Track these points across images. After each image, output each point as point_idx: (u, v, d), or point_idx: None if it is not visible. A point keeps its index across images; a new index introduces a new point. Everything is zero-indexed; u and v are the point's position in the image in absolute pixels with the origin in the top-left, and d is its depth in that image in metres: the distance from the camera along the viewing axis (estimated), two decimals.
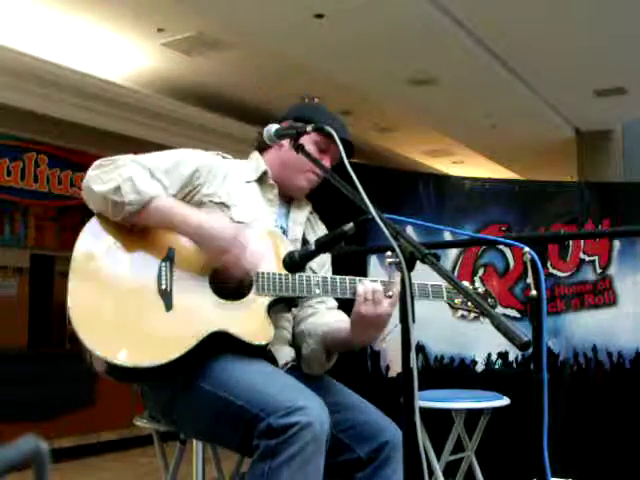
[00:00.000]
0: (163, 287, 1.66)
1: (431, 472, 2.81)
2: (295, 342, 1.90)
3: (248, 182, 1.90)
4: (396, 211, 1.68)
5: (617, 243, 4.01)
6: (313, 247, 1.59)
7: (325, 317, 1.90)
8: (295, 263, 1.61)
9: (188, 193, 1.81)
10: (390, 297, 1.70)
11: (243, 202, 1.85)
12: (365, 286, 1.70)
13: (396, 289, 1.68)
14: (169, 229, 1.71)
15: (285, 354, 1.84)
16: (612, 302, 4.00)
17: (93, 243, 1.70)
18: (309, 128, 1.66)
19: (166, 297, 1.66)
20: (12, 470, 0.58)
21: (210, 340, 1.64)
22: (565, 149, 8.13)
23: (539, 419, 1.52)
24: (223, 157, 1.93)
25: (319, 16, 4.88)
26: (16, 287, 5.51)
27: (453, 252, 3.82)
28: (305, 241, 1.95)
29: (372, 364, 3.60)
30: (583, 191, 4.15)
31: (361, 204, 1.43)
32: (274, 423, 1.49)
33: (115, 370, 1.60)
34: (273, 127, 1.76)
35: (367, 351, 3.60)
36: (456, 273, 3.79)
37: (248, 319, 1.69)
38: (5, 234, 5.52)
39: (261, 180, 1.92)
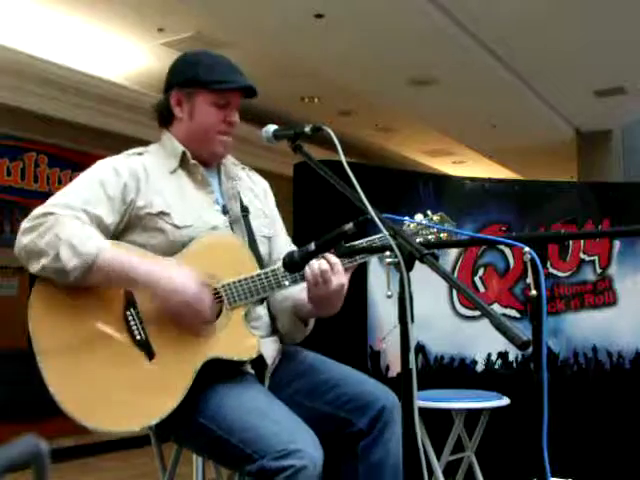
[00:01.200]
0: (138, 337, 1.62)
1: (431, 472, 2.81)
2: (272, 320, 1.88)
3: (173, 172, 1.80)
4: (396, 211, 1.68)
5: (617, 243, 4.02)
6: (313, 247, 1.59)
7: (287, 290, 1.83)
8: (295, 263, 1.60)
9: (125, 212, 1.71)
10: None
11: (179, 202, 1.75)
12: (312, 270, 1.66)
13: (333, 258, 1.67)
14: (120, 285, 1.62)
15: (271, 349, 1.80)
16: (612, 302, 4.00)
17: (48, 318, 1.61)
18: (307, 129, 1.64)
19: (144, 347, 1.62)
20: (12, 470, 0.58)
21: (203, 371, 1.62)
22: (565, 149, 8.14)
23: (539, 419, 1.52)
24: (139, 154, 1.81)
25: (319, 16, 4.88)
26: (16, 287, 5.51)
27: (453, 252, 3.82)
28: (244, 209, 1.85)
29: (372, 364, 3.59)
30: (583, 191, 4.15)
31: (360, 204, 1.43)
32: (267, 465, 1.48)
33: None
34: (271, 128, 1.72)
35: (367, 351, 3.60)
36: (456, 273, 3.78)
37: (230, 338, 1.66)
38: (5, 234, 5.52)
39: (183, 163, 1.81)
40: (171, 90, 1.83)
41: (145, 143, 1.89)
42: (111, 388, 1.59)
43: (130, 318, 1.63)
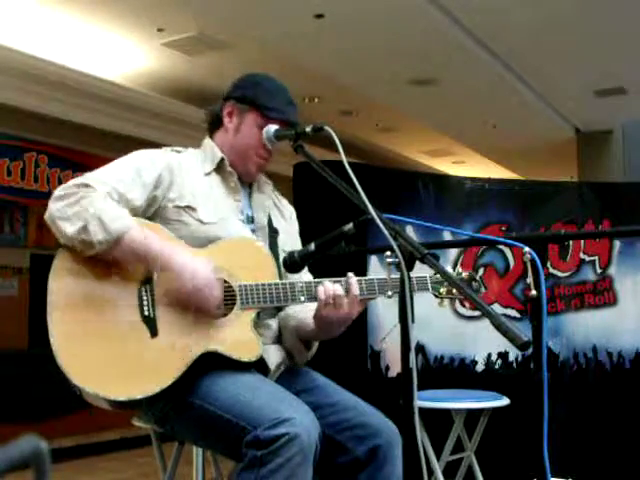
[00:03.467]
0: (146, 313, 1.63)
1: (431, 472, 2.81)
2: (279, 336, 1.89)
3: (207, 174, 1.85)
4: (396, 211, 1.68)
5: (617, 243, 4.02)
6: (313, 247, 1.59)
7: (290, 307, 1.86)
8: (294, 263, 1.61)
9: (154, 199, 1.75)
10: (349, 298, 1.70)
11: (207, 200, 1.80)
12: (326, 290, 1.69)
13: (354, 289, 1.69)
14: (140, 262, 1.65)
15: (275, 355, 1.81)
16: (612, 302, 4.00)
17: (67, 277, 1.64)
18: (308, 129, 1.65)
19: (150, 323, 1.63)
20: (12, 470, 0.58)
21: (200, 360, 1.63)
22: (565, 149, 8.14)
23: (539, 419, 1.52)
24: (177, 152, 1.87)
25: (319, 16, 4.88)
26: (16, 287, 5.52)
27: (453, 252, 3.82)
28: (272, 227, 1.90)
29: (372, 364, 3.60)
30: (583, 191, 4.15)
31: (360, 204, 1.43)
32: (261, 435, 1.48)
33: (109, 402, 1.60)
34: (272, 128, 1.75)
35: (367, 351, 3.60)
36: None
37: (235, 336, 1.67)
38: (5, 234, 5.53)
39: (219, 169, 1.87)
40: (227, 101, 1.89)
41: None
42: (107, 353, 1.60)
43: (143, 294, 1.65)
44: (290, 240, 1.96)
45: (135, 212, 1.72)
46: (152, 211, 1.76)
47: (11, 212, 5.56)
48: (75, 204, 1.61)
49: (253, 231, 1.86)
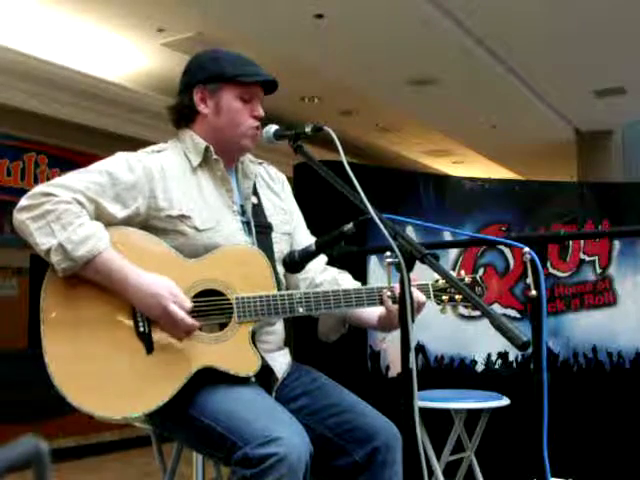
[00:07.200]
0: (141, 329, 1.60)
1: (431, 472, 2.81)
2: (286, 333, 1.87)
3: (195, 170, 1.77)
4: (396, 211, 1.68)
5: (617, 243, 4.02)
6: (313, 247, 1.59)
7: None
8: (295, 263, 1.61)
9: (136, 211, 1.68)
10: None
11: (199, 204, 1.73)
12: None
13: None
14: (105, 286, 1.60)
15: (282, 362, 1.79)
16: (612, 302, 4.01)
17: (61, 295, 1.61)
18: (308, 129, 1.64)
19: (145, 339, 1.61)
20: (12, 470, 0.58)
21: (197, 375, 1.61)
22: (565, 149, 8.13)
23: (539, 419, 1.52)
24: (159, 152, 1.78)
25: (319, 16, 4.88)
26: (16, 287, 5.51)
27: (453, 252, 3.82)
28: (263, 217, 1.84)
29: (372, 364, 3.60)
30: (583, 191, 4.16)
31: (360, 204, 1.43)
32: (250, 453, 1.47)
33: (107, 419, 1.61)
34: (272, 128, 1.72)
35: (367, 351, 3.60)
36: (456, 273, 3.78)
37: (232, 351, 1.64)
38: (5, 234, 5.52)
39: (206, 159, 1.78)
40: (192, 88, 1.81)
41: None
42: (103, 371, 1.59)
43: (138, 310, 1.62)
44: (285, 217, 1.91)
45: (109, 219, 1.65)
46: (138, 222, 1.69)
47: (11, 212, 5.55)
48: (39, 218, 1.58)
49: (247, 223, 1.80)
